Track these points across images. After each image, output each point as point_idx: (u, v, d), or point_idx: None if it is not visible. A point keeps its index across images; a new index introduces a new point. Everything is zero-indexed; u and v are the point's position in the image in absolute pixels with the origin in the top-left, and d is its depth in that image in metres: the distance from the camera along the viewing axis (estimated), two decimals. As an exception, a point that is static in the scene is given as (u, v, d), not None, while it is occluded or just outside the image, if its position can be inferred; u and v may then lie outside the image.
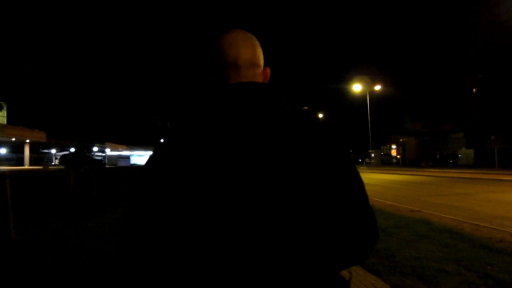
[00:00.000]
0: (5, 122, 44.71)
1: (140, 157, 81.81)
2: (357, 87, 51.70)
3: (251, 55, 1.06)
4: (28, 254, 5.56)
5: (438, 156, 60.78)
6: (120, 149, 79.76)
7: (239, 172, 0.89)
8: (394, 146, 75.26)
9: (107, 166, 51.39)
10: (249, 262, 0.87)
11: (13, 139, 44.73)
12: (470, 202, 11.61)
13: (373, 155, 69.08)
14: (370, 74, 53.90)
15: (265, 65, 1.14)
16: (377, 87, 50.57)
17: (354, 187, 0.99)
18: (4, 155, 52.57)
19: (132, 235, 0.92)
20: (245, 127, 0.93)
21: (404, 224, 7.42)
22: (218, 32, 1.07)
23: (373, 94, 52.26)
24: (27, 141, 49.11)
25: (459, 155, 54.64)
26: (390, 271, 4.63)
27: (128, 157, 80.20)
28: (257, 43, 1.10)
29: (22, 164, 48.57)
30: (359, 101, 57.97)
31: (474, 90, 60.08)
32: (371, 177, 28.26)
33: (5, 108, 45.33)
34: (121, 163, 68.80)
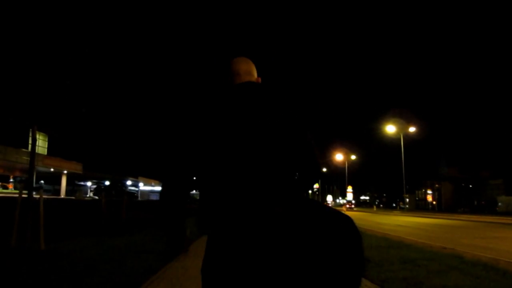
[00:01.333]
0: (45, 153, 46.47)
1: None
2: (391, 128, 51.00)
3: (246, 68, 1.82)
4: (51, 261, 5.69)
5: (476, 203, 58.50)
6: (152, 183, 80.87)
7: (240, 123, 1.56)
8: (429, 191, 72.94)
9: (139, 199, 52.10)
10: (246, 167, 1.50)
11: (52, 170, 46.29)
12: (507, 245, 11.03)
13: (407, 199, 66.88)
14: (405, 116, 53.10)
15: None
16: (412, 129, 49.65)
17: (301, 133, 1.63)
18: (42, 186, 54.22)
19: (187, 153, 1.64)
20: (241, 101, 1.61)
21: (435, 258, 7.13)
22: (229, 58, 1.86)
23: (407, 138, 51.37)
24: (65, 172, 50.72)
25: (499, 203, 52.41)
26: (417, 296, 4.44)
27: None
28: (251, 63, 1.87)
29: (59, 195, 49.93)
30: (393, 143, 57.04)
31: (513, 136, 58.42)
32: (404, 220, 27.45)
33: (46, 139, 47.21)
34: (153, 198, 69.63)
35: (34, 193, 7.39)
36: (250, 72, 1.82)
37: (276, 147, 1.55)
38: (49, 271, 5.05)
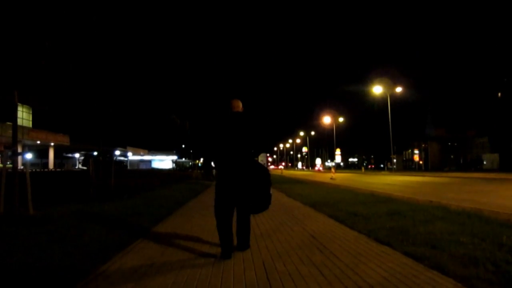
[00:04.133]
0: (30, 125, 45.82)
1: (161, 162, 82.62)
2: (377, 89, 50.82)
3: (237, 104, 4.65)
4: (41, 225, 5.70)
5: (462, 161, 59.54)
6: (141, 153, 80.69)
7: (229, 131, 4.48)
8: (416, 152, 73.97)
9: (128, 168, 52.03)
10: (232, 154, 4.43)
11: (38, 142, 45.78)
12: (491, 198, 11.31)
13: (395, 160, 67.58)
14: (391, 77, 53.02)
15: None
16: (398, 89, 49.53)
17: (261, 134, 4.65)
18: (30, 160, 53.53)
19: (203, 148, 4.74)
20: (234, 121, 4.52)
21: (421, 209, 7.30)
22: (229, 98, 4.68)
23: (394, 99, 51.33)
24: (52, 144, 50.23)
25: (484, 160, 53.43)
26: (403, 242, 4.55)
27: (149, 161, 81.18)
28: (239, 101, 4.70)
29: (47, 169, 49.57)
30: (380, 104, 57.14)
31: (498, 94, 58.92)
32: (392, 179, 27.91)
33: (30, 112, 46.43)
34: (142, 167, 69.54)
35: (19, 158, 7.26)
36: (239, 106, 4.58)
37: (245, 139, 4.38)
38: (38, 233, 5.06)
